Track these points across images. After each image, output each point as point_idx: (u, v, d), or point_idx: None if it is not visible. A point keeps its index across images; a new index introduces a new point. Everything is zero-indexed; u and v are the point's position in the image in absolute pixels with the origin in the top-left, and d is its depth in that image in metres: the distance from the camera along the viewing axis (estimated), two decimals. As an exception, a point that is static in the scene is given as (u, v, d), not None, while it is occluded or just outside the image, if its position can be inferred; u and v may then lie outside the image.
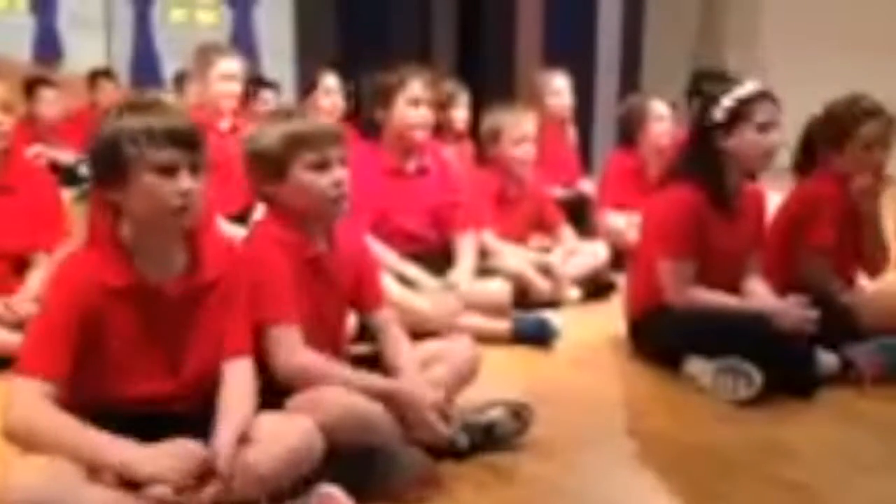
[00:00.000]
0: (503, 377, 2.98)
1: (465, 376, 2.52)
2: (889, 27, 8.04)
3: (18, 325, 3.20)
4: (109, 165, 1.97)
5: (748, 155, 3.12)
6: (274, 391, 2.17)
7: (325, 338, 2.34)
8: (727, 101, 3.12)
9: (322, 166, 2.30)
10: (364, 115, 3.85)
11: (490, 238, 4.02)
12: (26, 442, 1.86)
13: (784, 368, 2.94)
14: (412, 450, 2.26)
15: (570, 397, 2.99)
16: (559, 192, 5.17)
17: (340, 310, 2.48)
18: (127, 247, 2.01)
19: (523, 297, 3.82)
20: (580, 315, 3.91)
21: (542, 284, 3.94)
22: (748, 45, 9.01)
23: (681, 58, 8.66)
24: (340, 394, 2.17)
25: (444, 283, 3.55)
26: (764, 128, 3.10)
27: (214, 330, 2.09)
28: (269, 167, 2.32)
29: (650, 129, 4.79)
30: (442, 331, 3.37)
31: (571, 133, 6.03)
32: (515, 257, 3.98)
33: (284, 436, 1.99)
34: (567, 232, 4.35)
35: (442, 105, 4.51)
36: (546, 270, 3.98)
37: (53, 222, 3.53)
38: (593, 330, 3.66)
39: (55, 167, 6.61)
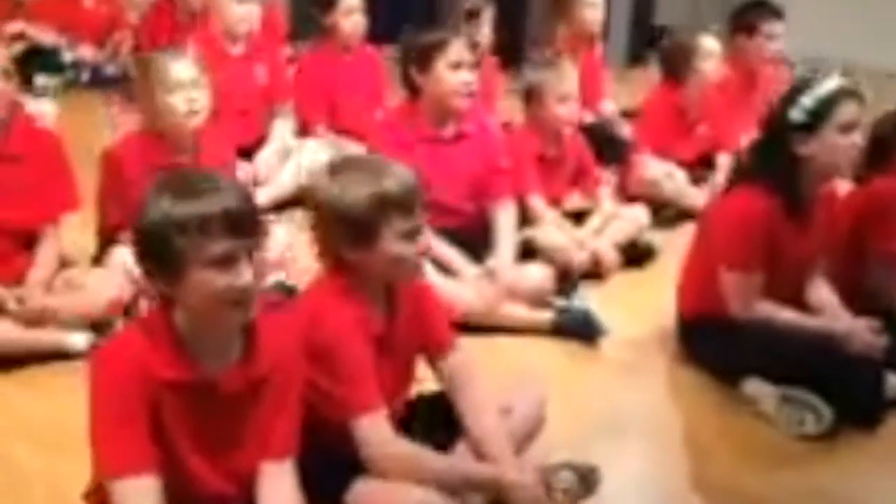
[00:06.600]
0: (548, 393, 2.67)
1: (532, 432, 2.34)
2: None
3: (32, 321, 3.00)
4: (158, 258, 1.74)
5: (830, 160, 2.86)
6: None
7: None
8: (807, 101, 2.83)
9: (413, 234, 2.06)
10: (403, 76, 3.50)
11: (538, 202, 3.76)
12: None
13: (850, 395, 2.78)
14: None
15: (624, 423, 2.84)
16: (586, 117, 4.90)
17: (405, 379, 2.27)
18: (181, 336, 1.79)
19: (564, 275, 3.60)
20: (621, 292, 3.69)
21: (580, 257, 3.69)
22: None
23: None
24: (408, 491, 1.99)
25: (485, 269, 3.34)
26: (846, 129, 2.84)
27: (268, 425, 1.89)
28: (354, 232, 2.04)
29: (698, 68, 4.48)
30: (483, 321, 3.23)
31: (599, 49, 5.69)
32: (552, 232, 3.70)
33: None
34: (606, 194, 4.08)
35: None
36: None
37: (63, 190, 3.23)
38: (638, 316, 3.44)
39: (37, 50, 6.23)
